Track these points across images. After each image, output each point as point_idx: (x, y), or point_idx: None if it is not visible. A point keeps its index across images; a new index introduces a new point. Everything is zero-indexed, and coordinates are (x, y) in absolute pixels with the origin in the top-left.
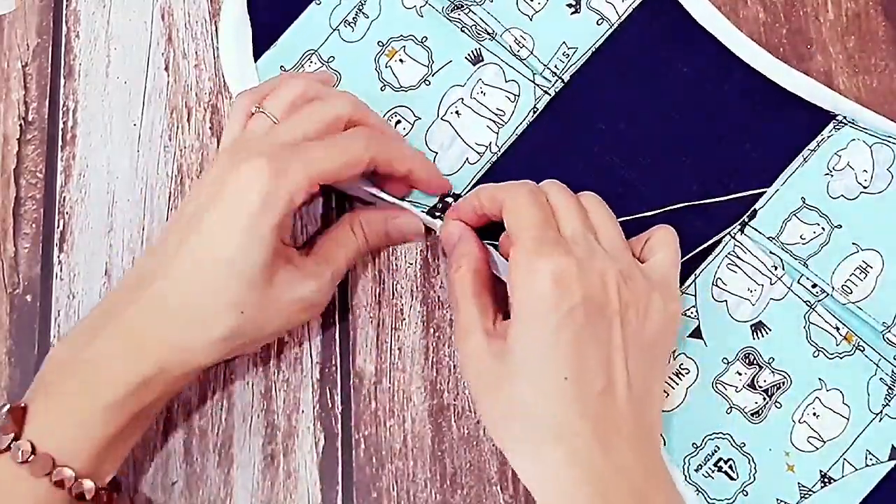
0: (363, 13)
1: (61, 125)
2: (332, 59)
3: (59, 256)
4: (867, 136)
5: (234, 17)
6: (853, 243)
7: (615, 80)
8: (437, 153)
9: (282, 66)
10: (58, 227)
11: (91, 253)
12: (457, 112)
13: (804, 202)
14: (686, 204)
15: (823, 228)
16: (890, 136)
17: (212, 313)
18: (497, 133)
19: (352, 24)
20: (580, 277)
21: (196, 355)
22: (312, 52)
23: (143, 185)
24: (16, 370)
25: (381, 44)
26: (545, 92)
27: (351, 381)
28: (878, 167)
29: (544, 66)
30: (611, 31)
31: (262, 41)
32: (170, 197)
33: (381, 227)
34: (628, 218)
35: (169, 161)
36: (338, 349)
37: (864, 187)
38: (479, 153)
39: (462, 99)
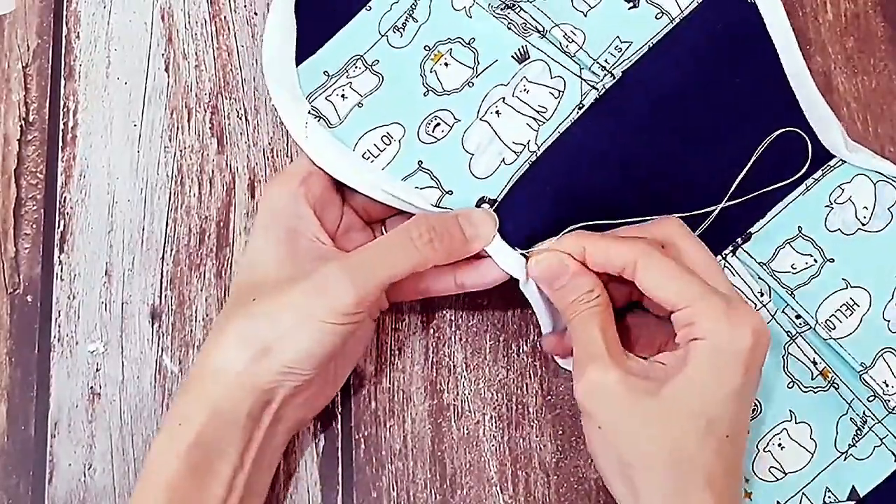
0: (413, 18)
1: (62, 126)
2: (376, 62)
3: (59, 257)
4: (872, 174)
5: (280, 19)
6: (843, 279)
7: (669, 79)
8: (472, 155)
9: (325, 72)
10: (58, 227)
11: (91, 253)
12: (497, 112)
13: (800, 231)
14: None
15: (816, 260)
16: (894, 177)
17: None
18: (537, 131)
19: (400, 30)
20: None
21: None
22: (358, 57)
23: (143, 185)
24: (16, 370)
25: (427, 48)
26: (592, 87)
27: (351, 382)
28: (878, 206)
29: (593, 60)
30: (671, 26)
31: (306, 46)
32: (170, 197)
33: (451, 226)
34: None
35: (169, 161)
36: None
37: (863, 224)
38: (515, 153)
39: (503, 98)
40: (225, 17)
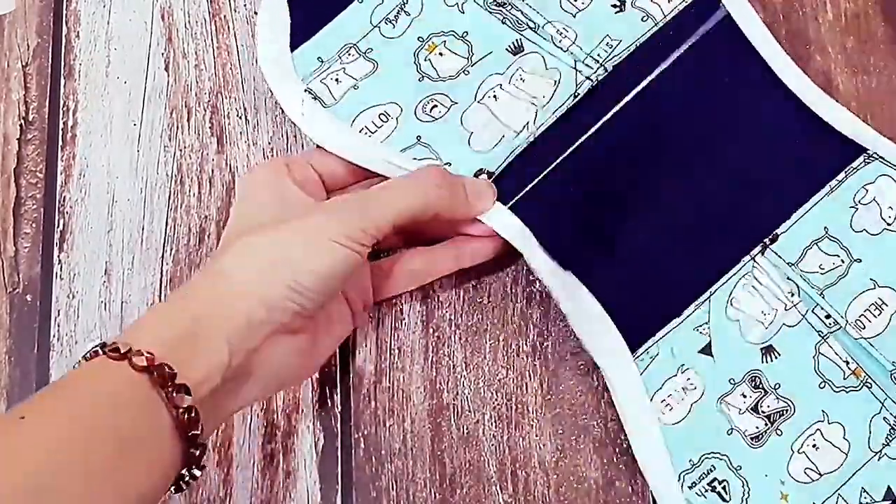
0: (405, 11)
1: (61, 125)
2: (370, 50)
3: (59, 256)
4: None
5: (273, 8)
6: (871, 279)
7: (656, 76)
8: (471, 133)
9: (319, 58)
10: (58, 226)
11: (91, 253)
12: (494, 96)
13: (826, 232)
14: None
15: (843, 261)
16: None
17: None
18: (535, 114)
19: (392, 22)
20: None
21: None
22: (351, 45)
23: (143, 185)
24: (16, 370)
25: (420, 39)
26: (587, 78)
27: (350, 381)
28: None
29: (587, 54)
30: (656, 28)
31: (300, 34)
32: (170, 197)
33: (457, 182)
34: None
35: (169, 161)
36: (337, 348)
37: (888, 224)
38: (516, 132)
39: (500, 84)
40: (225, 17)
